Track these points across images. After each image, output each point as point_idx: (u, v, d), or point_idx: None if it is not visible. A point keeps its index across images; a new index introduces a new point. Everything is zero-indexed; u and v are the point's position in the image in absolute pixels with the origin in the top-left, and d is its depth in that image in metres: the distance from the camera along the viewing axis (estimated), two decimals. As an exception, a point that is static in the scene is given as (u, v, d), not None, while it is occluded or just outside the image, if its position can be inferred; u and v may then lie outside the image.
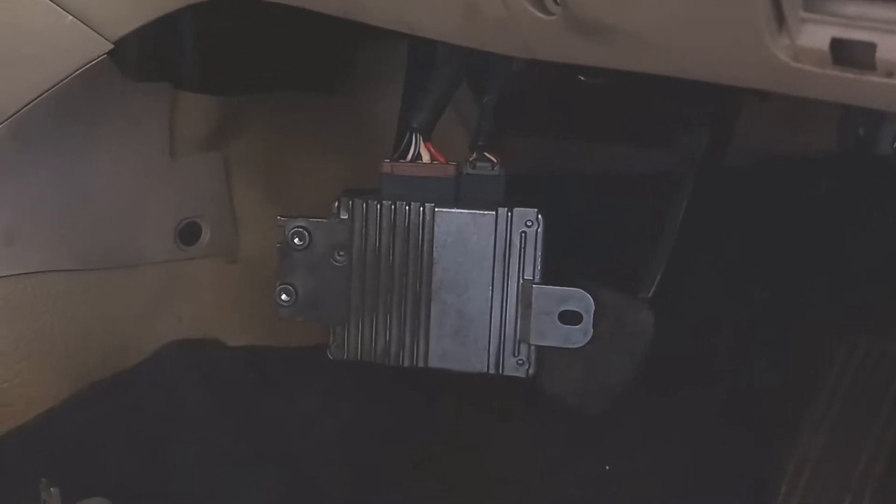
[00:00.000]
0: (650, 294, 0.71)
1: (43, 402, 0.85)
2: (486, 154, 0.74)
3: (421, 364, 0.73)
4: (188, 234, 0.99)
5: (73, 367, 0.88)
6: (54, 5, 0.67)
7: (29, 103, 0.73)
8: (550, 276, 0.71)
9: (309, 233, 0.75)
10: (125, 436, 0.84)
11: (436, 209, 0.72)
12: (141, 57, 0.89)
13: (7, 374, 0.84)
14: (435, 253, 0.72)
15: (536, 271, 0.70)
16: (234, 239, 1.01)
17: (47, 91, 0.72)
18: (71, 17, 0.68)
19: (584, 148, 0.94)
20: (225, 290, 1.00)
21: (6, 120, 0.74)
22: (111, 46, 0.70)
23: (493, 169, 0.73)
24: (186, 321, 0.97)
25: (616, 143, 0.92)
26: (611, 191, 0.91)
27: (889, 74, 0.41)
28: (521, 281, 0.71)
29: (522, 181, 0.74)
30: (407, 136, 0.75)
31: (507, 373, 0.71)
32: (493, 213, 0.71)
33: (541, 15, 0.48)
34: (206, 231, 1.00)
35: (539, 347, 0.71)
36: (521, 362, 0.72)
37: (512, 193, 0.74)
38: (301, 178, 1.02)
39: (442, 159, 0.74)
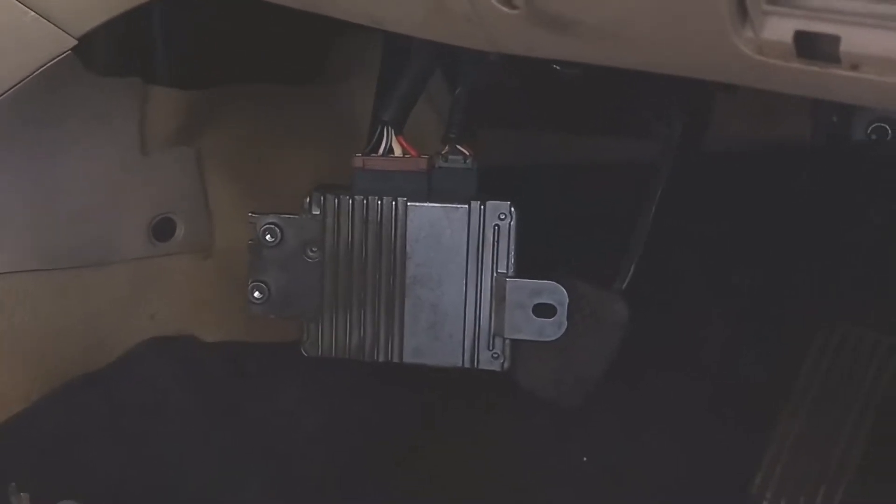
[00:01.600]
0: (624, 285, 0.71)
1: (16, 403, 0.84)
2: (458, 147, 0.73)
3: (395, 359, 0.73)
4: (162, 229, 0.98)
5: (47, 366, 0.87)
6: (15, 1, 0.66)
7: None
8: (525, 268, 0.70)
9: (280, 229, 0.75)
10: (103, 432, 0.83)
11: (408, 203, 0.72)
12: (108, 52, 0.88)
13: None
14: (408, 248, 0.72)
15: (510, 265, 0.70)
16: (209, 234, 1.00)
17: (10, 89, 0.71)
18: (33, 13, 0.67)
19: (559, 139, 0.94)
20: (200, 285, 0.99)
21: (-32, 122, 0.73)
22: (75, 42, 0.69)
23: (465, 162, 0.73)
24: (161, 318, 0.96)
25: (591, 133, 0.92)
26: (586, 182, 0.90)
27: (853, 67, 0.41)
28: (495, 274, 0.70)
29: (497, 173, 0.73)
30: (379, 130, 0.74)
31: (482, 366, 0.71)
32: (466, 206, 0.71)
33: (505, 9, 0.48)
34: (181, 226, 0.99)
35: (514, 341, 0.71)
36: (496, 356, 0.71)
37: (486, 185, 0.73)
38: (276, 171, 1.01)
39: (414, 153, 0.74)
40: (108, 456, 0.81)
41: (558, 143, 0.93)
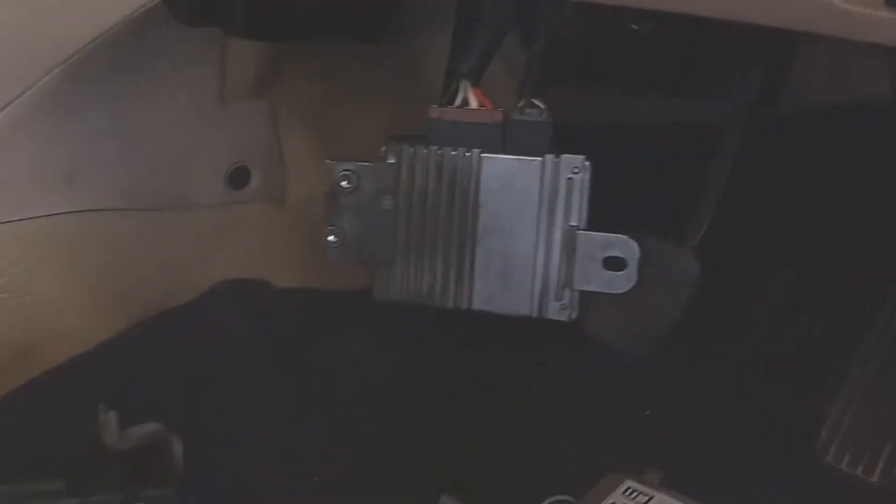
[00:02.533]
0: (696, 242, 0.71)
1: (96, 339, 0.88)
2: (533, 101, 0.74)
3: (465, 306, 0.75)
4: (237, 178, 1.01)
5: (126, 306, 0.91)
6: (111, -52, 0.69)
7: (84, 47, 0.75)
8: (595, 224, 0.71)
9: (357, 176, 0.76)
10: (175, 371, 0.86)
11: (482, 155, 0.73)
12: (193, 2, 0.90)
13: (62, 311, 0.88)
14: (481, 198, 0.73)
15: (582, 218, 0.71)
16: (282, 184, 1.03)
17: (102, 35, 0.74)
18: (128, -41, 0.70)
19: (631, 97, 0.94)
20: (273, 234, 1.02)
21: (63, 64, 0.76)
22: (166, -10, 0.71)
23: (540, 115, 0.74)
24: (235, 264, 0.99)
25: (665, 91, 0.91)
26: (658, 140, 0.90)
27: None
28: (566, 227, 0.71)
29: (567, 130, 0.74)
30: (455, 83, 0.75)
31: (550, 316, 0.72)
32: (540, 159, 0.72)
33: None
34: (256, 175, 1.01)
35: (582, 292, 0.72)
36: (564, 307, 0.72)
37: (556, 142, 0.74)
38: (348, 125, 1.03)
39: (489, 105, 0.75)
40: (178, 392, 0.85)
41: (631, 101, 0.93)
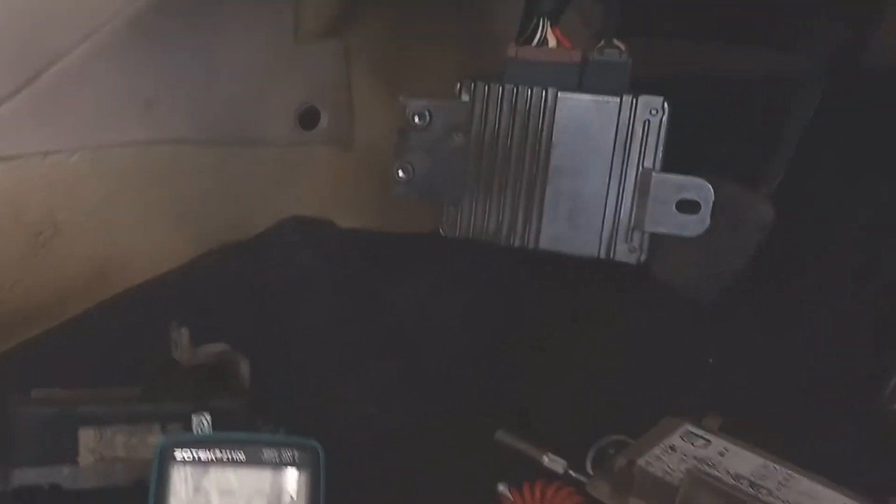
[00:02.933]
0: (772, 189, 0.71)
1: (169, 265, 0.91)
2: (614, 41, 0.73)
3: (531, 245, 0.75)
4: (307, 118, 1.02)
5: (199, 235, 0.94)
6: None
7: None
8: (669, 169, 0.71)
9: (430, 113, 0.77)
10: (245, 299, 0.89)
11: (559, 94, 0.73)
12: (273, -62, 0.91)
13: (138, 237, 0.90)
14: (554, 138, 0.73)
15: (657, 160, 0.70)
16: (351, 126, 1.04)
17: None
18: None
19: (711, 48, 0.92)
20: (340, 175, 1.04)
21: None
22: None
23: (619, 56, 0.73)
24: (304, 202, 1.01)
25: (744, 43, 0.90)
26: (736, 92, 0.89)
27: None
28: (641, 169, 0.71)
29: (645, 80, 0.73)
30: (534, 21, 0.75)
31: (618, 258, 0.72)
32: (618, 99, 0.71)
33: None
34: (325, 117, 1.03)
35: (651, 235, 0.72)
36: (632, 249, 0.72)
37: (634, 86, 0.73)
38: (418, 68, 1.03)
39: (568, 45, 0.74)
40: (248, 320, 0.87)
41: (709, 53, 0.92)
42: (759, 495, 0.67)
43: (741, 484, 0.69)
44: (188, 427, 0.68)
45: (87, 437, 0.73)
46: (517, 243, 0.76)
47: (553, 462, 0.77)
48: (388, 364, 0.86)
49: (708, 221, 0.68)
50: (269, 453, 0.64)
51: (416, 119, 0.77)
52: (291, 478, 0.64)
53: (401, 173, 0.78)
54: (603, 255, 0.73)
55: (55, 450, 0.72)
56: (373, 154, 1.03)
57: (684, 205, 0.70)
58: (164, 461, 0.64)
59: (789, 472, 0.70)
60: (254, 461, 0.64)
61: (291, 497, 0.63)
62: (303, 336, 0.88)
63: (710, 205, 0.68)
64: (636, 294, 0.79)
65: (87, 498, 0.71)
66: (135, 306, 0.86)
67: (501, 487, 0.75)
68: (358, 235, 1.00)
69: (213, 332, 0.79)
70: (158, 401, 0.73)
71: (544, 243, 0.75)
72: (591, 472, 0.74)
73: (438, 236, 1.03)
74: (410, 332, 0.89)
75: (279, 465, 0.64)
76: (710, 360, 0.78)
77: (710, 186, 0.68)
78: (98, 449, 0.73)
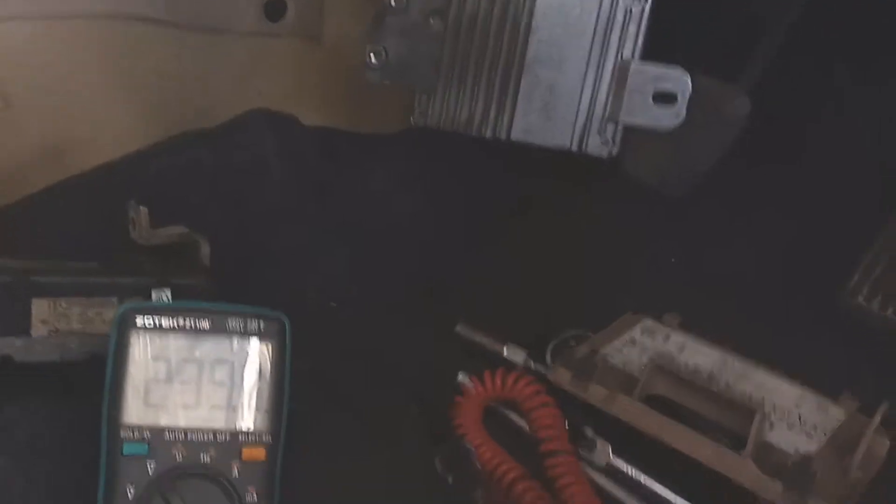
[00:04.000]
0: (750, 84, 0.71)
1: (130, 147, 0.88)
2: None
3: (503, 136, 0.75)
4: (274, 9, 0.99)
5: (159, 120, 0.91)
6: None
7: None
8: (648, 59, 0.71)
9: (407, -5, 0.75)
10: (206, 185, 0.86)
11: (540, -21, 0.72)
12: None
13: (98, 115, 0.87)
14: (533, 24, 0.72)
15: (637, 50, 0.70)
16: (319, 21, 1.01)
17: None
18: None
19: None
20: (306, 70, 1.01)
21: None
22: None
23: (603, -57, 0.72)
24: (267, 95, 0.98)
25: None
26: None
27: None
28: (619, 59, 0.71)
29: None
30: None
31: (589, 151, 0.72)
32: (600, -14, 0.71)
33: None
34: (292, 8, 1.00)
35: (625, 129, 0.72)
36: (605, 142, 0.72)
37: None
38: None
39: (550, -70, 0.73)
40: (212, 205, 0.85)
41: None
42: (717, 387, 0.69)
43: (699, 377, 0.70)
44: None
45: (40, 309, 0.70)
46: (489, 134, 0.75)
47: (513, 353, 0.77)
48: (345, 249, 0.85)
49: (683, 114, 0.69)
50: (233, 322, 0.63)
51: (393, 1, 0.76)
52: (257, 348, 0.63)
53: (373, 58, 0.77)
54: (575, 147, 0.73)
55: (6, 320, 0.70)
56: (340, 50, 1.01)
57: (661, 97, 0.70)
58: (124, 327, 0.62)
59: (746, 365, 0.71)
60: (218, 330, 0.62)
61: (257, 367, 0.62)
62: (263, 220, 0.86)
63: (687, 97, 0.69)
64: (598, 190, 0.79)
65: (41, 371, 0.70)
66: (92, 187, 0.83)
67: (461, 377, 0.76)
68: (320, 132, 0.98)
69: (171, 215, 0.78)
70: (117, 274, 0.72)
71: (516, 134, 0.74)
72: (550, 363, 0.75)
73: (400, 137, 1.03)
74: (370, 223, 0.88)
75: (244, 334, 0.63)
76: (672, 260, 0.79)
77: (689, 77, 0.68)
78: (52, 321, 0.71)
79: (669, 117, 0.70)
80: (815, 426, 0.66)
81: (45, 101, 0.84)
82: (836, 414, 0.68)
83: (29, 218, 0.81)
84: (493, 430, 0.72)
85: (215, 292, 0.72)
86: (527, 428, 0.72)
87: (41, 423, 0.68)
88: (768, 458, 0.64)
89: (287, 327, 0.64)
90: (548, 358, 0.76)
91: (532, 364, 0.76)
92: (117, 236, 0.77)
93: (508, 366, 0.75)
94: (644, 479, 0.68)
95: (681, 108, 0.70)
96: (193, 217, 0.79)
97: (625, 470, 0.69)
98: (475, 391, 0.74)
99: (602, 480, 0.69)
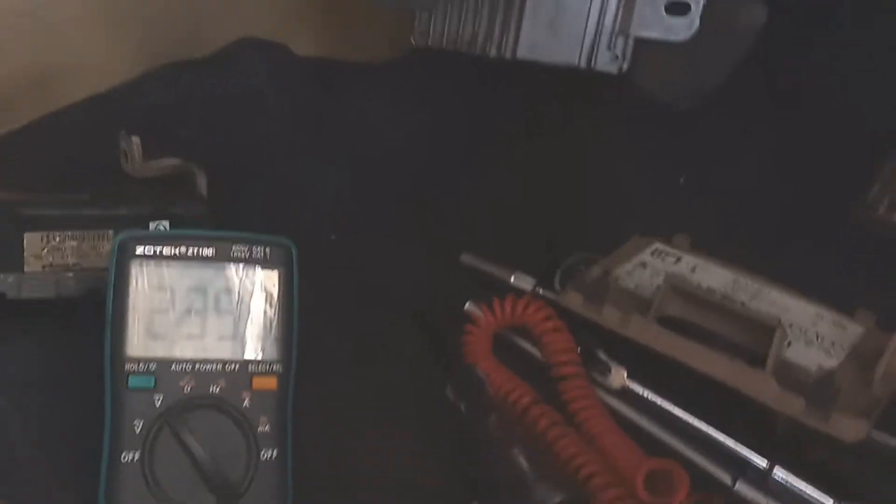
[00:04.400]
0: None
1: (119, 78, 0.84)
2: None
3: (508, 55, 0.72)
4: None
5: (148, 49, 0.87)
6: None
7: None
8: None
9: None
10: (199, 114, 0.83)
11: None
12: None
13: (84, 43, 0.84)
14: (539, -66, 0.69)
15: (647, -43, 0.67)
16: (309, -57, 0.98)
17: None
18: None
19: None
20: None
21: None
22: None
23: None
24: (259, 24, 0.95)
25: None
26: None
27: None
28: (629, -32, 0.68)
29: None
30: None
31: (599, 67, 0.70)
32: None
33: None
34: (281, -68, 0.96)
35: (635, 42, 0.69)
36: (615, 57, 0.70)
37: None
38: None
39: None
40: (204, 135, 0.82)
41: None
42: (733, 306, 0.68)
43: (713, 297, 0.69)
44: (145, 234, 0.63)
45: (32, 243, 0.68)
46: (493, 52, 0.72)
47: (521, 280, 0.76)
48: (341, 175, 0.82)
49: (697, 24, 0.66)
50: (238, 250, 0.60)
51: (388, -84, 0.72)
52: (263, 275, 0.61)
53: (371, -24, 0.74)
54: (583, 63, 0.70)
55: (-2, 255, 0.67)
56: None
57: (673, 7, 0.67)
58: (124, 257, 0.60)
59: (759, 284, 0.70)
60: (222, 258, 0.60)
61: (264, 295, 0.60)
62: (258, 149, 0.84)
63: (701, 5, 0.66)
64: (604, 112, 0.77)
65: (35, 308, 0.67)
66: (81, 118, 0.79)
67: (469, 305, 0.74)
68: (314, 62, 0.95)
69: (162, 147, 0.75)
70: (111, 206, 0.69)
71: (522, 52, 0.71)
72: (560, 287, 0.73)
73: (395, 65, 1.00)
74: (365, 151, 0.85)
75: (250, 261, 0.60)
76: (681, 180, 0.77)
77: (703, -14, 0.65)
78: (46, 256, 0.68)
79: (683, 28, 0.67)
80: (834, 342, 0.65)
81: (25, 28, 0.80)
82: (853, 329, 0.67)
83: (16, 152, 0.78)
84: (504, 359, 0.71)
85: (215, 222, 0.70)
86: (538, 354, 0.71)
87: (36, 360, 0.66)
88: (788, 374, 0.63)
89: (294, 253, 0.62)
90: (556, 282, 0.74)
91: (541, 291, 0.74)
92: (108, 170, 0.74)
93: (517, 294, 0.74)
94: (660, 401, 0.67)
95: (695, 17, 0.67)
96: (185, 149, 0.76)
97: (639, 392, 0.68)
98: (484, 319, 0.72)
99: (616, 403, 0.68)
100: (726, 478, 0.62)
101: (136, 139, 0.72)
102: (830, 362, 0.63)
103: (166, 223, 0.67)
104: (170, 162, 0.75)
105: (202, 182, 0.74)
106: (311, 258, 0.62)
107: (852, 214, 0.72)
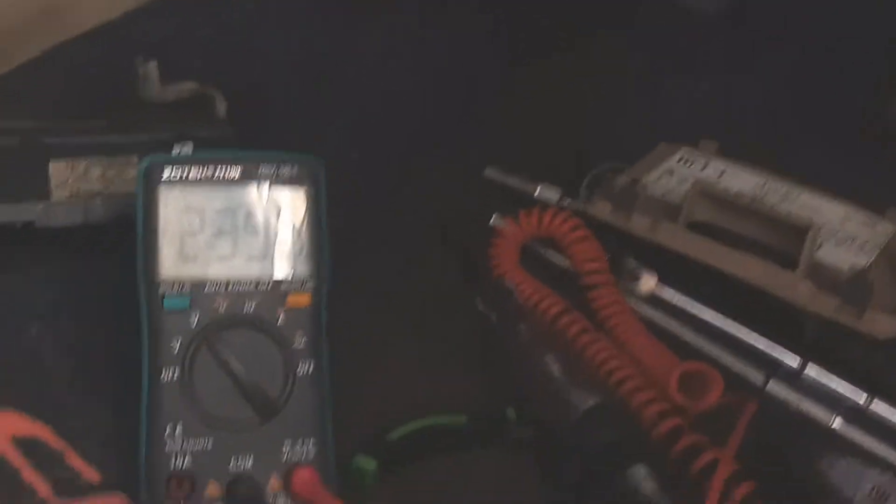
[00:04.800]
0: None
1: (124, 9, 0.83)
2: None
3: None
4: None
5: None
6: None
7: None
8: None
9: None
10: (211, 38, 0.82)
11: None
12: None
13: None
14: None
15: None
16: None
17: None
18: None
19: None
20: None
21: None
22: None
23: None
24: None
25: None
26: None
27: None
28: None
29: None
30: None
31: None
32: None
33: None
34: None
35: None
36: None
37: None
38: None
39: None
40: (215, 60, 0.81)
41: None
42: (762, 208, 0.67)
43: (743, 200, 0.69)
44: (169, 157, 0.63)
45: (58, 171, 0.68)
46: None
47: (547, 191, 0.75)
48: (337, 122, 0.81)
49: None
50: (266, 169, 0.60)
51: None
52: (291, 194, 0.60)
53: None
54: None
55: (24, 185, 0.67)
56: None
57: None
58: (150, 181, 0.59)
59: (788, 187, 0.70)
60: (249, 177, 0.60)
61: (293, 213, 0.60)
62: (270, 72, 0.82)
63: None
64: (618, 17, 0.75)
65: (64, 236, 0.68)
66: (93, 46, 0.79)
67: (495, 219, 0.74)
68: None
69: (183, 74, 0.74)
70: (133, 131, 0.68)
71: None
72: (587, 196, 0.73)
73: None
74: (387, 65, 0.83)
75: (278, 180, 0.60)
76: (705, 88, 0.76)
77: None
78: (72, 184, 0.68)
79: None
80: (865, 241, 0.65)
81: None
82: (884, 228, 0.66)
83: (32, 82, 0.77)
84: (532, 271, 0.71)
85: (238, 144, 0.70)
86: (564, 265, 0.71)
87: (67, 286, 0.66)
88: (821, 274, 0.63)
89: (322, 169, 0.61)
90: (582, 191, 0.74)
91: (567, 202, 0.74)
92: (124, 97, 0.73)
93: (543, 206, 0.73)
94: (690, 305, 0.67)
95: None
96: (205, 71, 0.75)
97: (670, 299, 0.68)
98: (511, 231, 0.72)
99: (646, 309, 0.68)
100: (758, 378, 0.63)
101: (153, 63, 0.71)
102: (862, 261, 0.63)
103: (190, 145, 0.67)
104: (187, 85, 0.75)
105: (221, 106, 0.74)
106: (335, 177, 0.62)
107: (885, 115, 0.70)
